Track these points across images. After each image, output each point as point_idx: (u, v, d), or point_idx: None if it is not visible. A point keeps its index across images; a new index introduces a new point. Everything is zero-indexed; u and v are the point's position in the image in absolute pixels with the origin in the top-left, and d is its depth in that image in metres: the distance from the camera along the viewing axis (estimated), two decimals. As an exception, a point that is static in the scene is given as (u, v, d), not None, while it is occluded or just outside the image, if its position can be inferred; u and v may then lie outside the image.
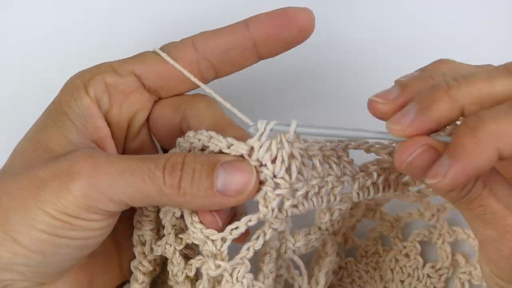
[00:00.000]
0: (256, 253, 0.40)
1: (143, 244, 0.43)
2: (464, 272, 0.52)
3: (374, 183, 0.41)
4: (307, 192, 0.38)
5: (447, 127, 0.36)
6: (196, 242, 0.40)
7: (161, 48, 0.43)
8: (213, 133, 0.39)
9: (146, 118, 0.44)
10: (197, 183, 0.37)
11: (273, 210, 0.37)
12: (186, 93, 0.44)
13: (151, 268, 0.44)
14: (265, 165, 0.37)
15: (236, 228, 0.38)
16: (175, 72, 0.42)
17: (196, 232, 0.39)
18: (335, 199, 0.40)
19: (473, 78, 0.34)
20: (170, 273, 0.43)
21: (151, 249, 0.43)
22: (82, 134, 0.40)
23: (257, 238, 0.39)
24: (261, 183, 0.37)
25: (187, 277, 0.42)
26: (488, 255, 0.38)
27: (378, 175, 0.41)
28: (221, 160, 0.37)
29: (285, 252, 0.43)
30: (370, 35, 0.57)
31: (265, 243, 0.40)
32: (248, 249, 0.39)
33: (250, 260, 0.40)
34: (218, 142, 0.38)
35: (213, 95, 0.42)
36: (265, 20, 0.42)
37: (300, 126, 0.37)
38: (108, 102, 0.42)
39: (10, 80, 0.58)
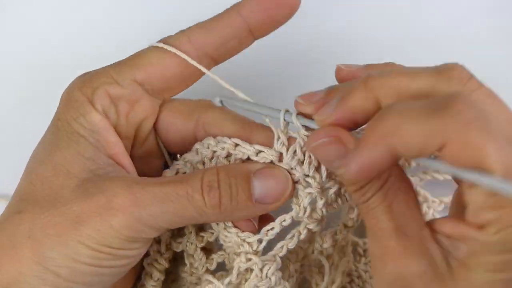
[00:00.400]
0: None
1: (158, 242, 0.44)
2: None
3: None
4: (339, 189, 0.40)
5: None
6: (228, 245, 0.40)
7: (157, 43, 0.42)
8: (238, 140, 0.40)
9: (154, 126, 0.43)
10: (235, 198, 0.37)
11: (305, 208, 0.39)
12: (189, 99, 0.44)
13: (166, 266, 0.44)
14: (295, 168, 0.38)
15: (272, 229, 0.39)
16: (177, 71, 0.41)
17: (231, 236, 0.40)
18: None
19: (396, 72, 0.34)
20: (188, 265, 0.43)
21: (167, 247, 0.44)
22: (98, 151, 0.39)
23: (292, 237, 0.40)
24: (295, 182, 0.39)
25: (207, 270, 0.43)
26: (374, 273, 0.36)
27: None
28: (253, 169, 0.38)
29: (313, 253, 0.44)
30: (369, 33, 0.57)
31: (299, 240, 0.41)
32: (282, 247, 0.40)
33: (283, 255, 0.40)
34: (245, 150, 0.39)
35: (226, 86, 0.41)
36: (256, 5, 0.41)
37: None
38: (115, 114, 0.41)
39: (10, 80, 0.58)
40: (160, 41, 0.41)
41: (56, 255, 0.36)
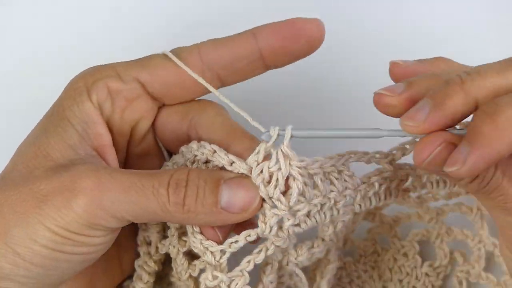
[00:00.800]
0: (256, 264, 0.40)
1: (149, 244, 0.43)
2: (462, 271, 0.52)
3: (376, 193, 0.40)
4: (309, 211, 0.38)
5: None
6: (196, 250, 0.40)
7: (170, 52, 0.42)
8: (216, 147, 0.38)
9: (152, 123, 0.43)
10: (201, 200, 0.36)
11: (271, 227, 0.37)
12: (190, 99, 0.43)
13: (156, 268, 0.44)
14: (259, 187, 0.37)
15: (236, 241, 0.38)
16: (180, 80, 0.41)
17: (196, 242, 0.39)
18: (338, 212, 0.39)
19: (485, 72, 0.34)
20: (174, 270, 0.43)
21: (157, 249, 0.43)
22: (83, 141, 0.39)
23: (259, 252, 0.39)
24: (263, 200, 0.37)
25: (190, 276, 0.42)
26: (510, 240, 0.38)
27: (380, 185, 0.40)
28: (225, 176, 0.37)
29: (287, 265, 0.43)
30: (369, 33, 0.57)
31: (267, 256, 0.40)
32: (248, 262, 0.39)
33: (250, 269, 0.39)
34: (220, 159, 0.38)
35: (226, 102, 0.40)
36: (273, 32, 0.40)
37: (312, 130, 0.37)
38: (110, 108, 0.41)
39: (10, 80, 0.58)
40: (172, 50, 0.42)
41: (17, 233, 0.36)
